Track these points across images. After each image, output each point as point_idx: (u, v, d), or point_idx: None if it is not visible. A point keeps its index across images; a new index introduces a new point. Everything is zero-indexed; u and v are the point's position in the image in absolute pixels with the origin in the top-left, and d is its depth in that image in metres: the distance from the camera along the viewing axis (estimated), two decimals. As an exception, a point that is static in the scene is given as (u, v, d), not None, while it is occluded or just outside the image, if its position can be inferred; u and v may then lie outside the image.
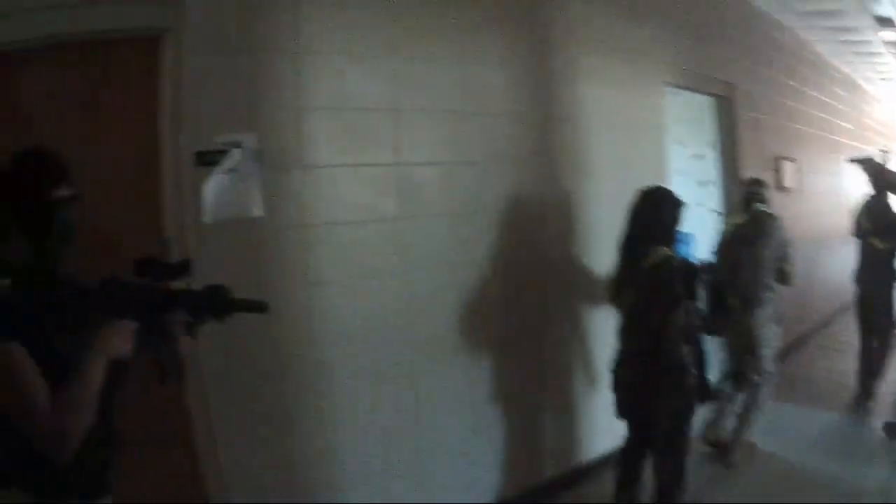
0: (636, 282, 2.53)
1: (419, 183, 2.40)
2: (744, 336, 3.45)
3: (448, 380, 2.50)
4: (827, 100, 6.66)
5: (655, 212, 2.60)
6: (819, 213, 5.77)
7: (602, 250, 2.83)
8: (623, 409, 2.58)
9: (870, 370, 4.34)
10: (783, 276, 3.46)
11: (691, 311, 2.52)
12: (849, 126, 7.36)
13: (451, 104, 2.51)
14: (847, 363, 4.88)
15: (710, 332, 3.49)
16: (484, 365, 2.65)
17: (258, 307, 1.36)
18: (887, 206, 4.28)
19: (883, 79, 8.26)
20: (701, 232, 3.95)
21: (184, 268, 1.34)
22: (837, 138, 6.80)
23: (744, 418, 3.50)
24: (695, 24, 4.03)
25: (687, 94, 4.13)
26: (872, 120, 9.12)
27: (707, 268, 3.02)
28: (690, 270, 2.59)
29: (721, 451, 3.43)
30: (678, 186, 4.01)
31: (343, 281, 2.15)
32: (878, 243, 4.25)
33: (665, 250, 2.56)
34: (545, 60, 2.94)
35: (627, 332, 2.59)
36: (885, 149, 8.72)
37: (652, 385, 2.49)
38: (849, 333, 5.51)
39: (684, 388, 2.49)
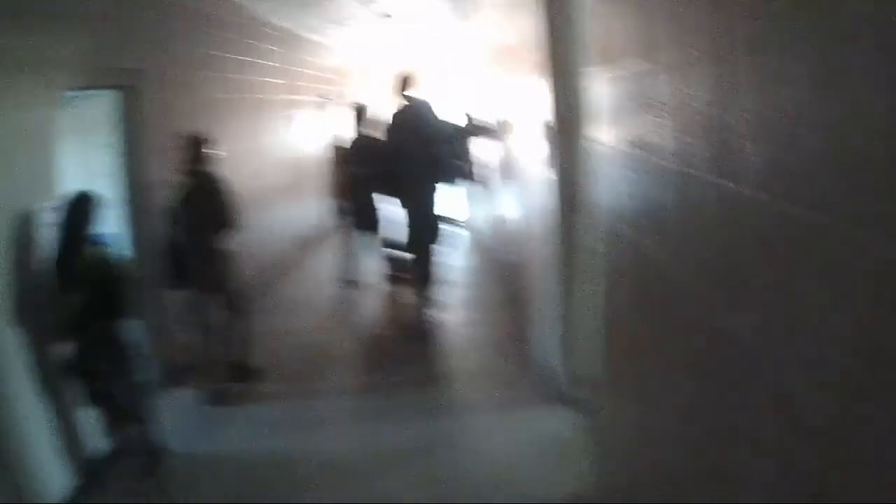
0: (79, 285, 2.96)
1: None
2: (215, 279, 4.10)
3: None
4: (257, 60, 6.98)
5: (75, 217, 3.05)
6: (251, 176, 6.10)
7: None
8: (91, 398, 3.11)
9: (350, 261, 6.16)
10: (227, 222, 4.12)
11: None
12: (282, 82, 7.86)
13: None
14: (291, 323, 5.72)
15: (176, 288, 4.06)
16: None
17: None
18: (367, 141, 5.56)
19: (328, 22, 8.33)
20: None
21: None
22: (269, 97, 7.29)
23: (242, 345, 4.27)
24: (98, 17, 3.97)
25: (105, 94, 4.13)
26: (317, 69, 9.73)
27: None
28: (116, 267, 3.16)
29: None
30: (110, 189, 4.12)
31: None
32: (358, 171, 5.49)
33: (95, 250, 3.04)
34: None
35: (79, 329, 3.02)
36: (322, 96, 10.07)
37: (112, 367, 3.08)
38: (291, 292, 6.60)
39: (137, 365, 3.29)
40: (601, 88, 2.31)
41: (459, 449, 3.34)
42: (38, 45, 3.38)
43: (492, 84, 8.32)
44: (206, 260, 4.02)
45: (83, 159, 4.14)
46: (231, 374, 4.24)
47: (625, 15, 1.93)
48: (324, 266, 7.28)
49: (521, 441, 3.25)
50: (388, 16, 8.60)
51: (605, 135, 2.31)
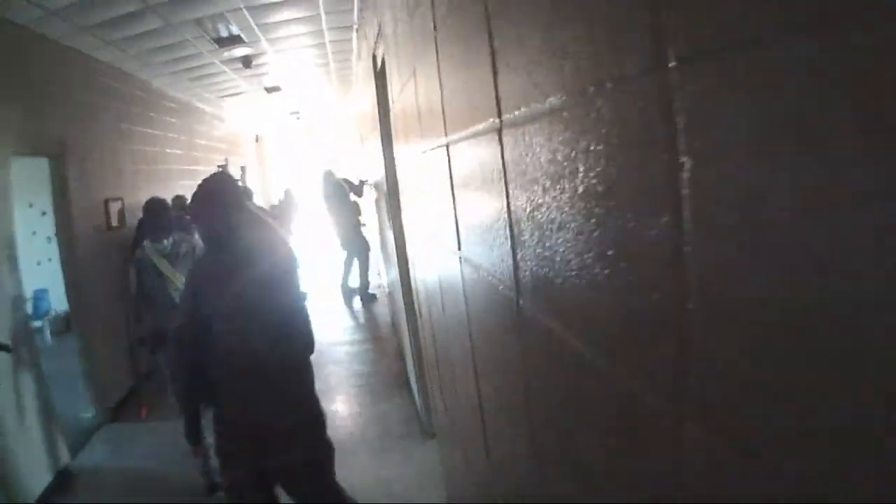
0: None
1: None
2: None
3: None
4: (157, 132, 7.31)
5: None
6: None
7: None
8: None
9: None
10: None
11: None
12: (179, 152, 8.19)
13: None
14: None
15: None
16: None
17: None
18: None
19: (222, 96, 9.00)
20: (53, 284, 4.41)
21: None
22: (168, 167, 7.57)
23: None
24: (36, 90, 4.36)
25: (34, 159, 4.40)
26: (209, 139, 10.03)
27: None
28: None
29: None
30: (32, 244, 4.32)
31: None
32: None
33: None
34: None
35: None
36: (221, 163, 10.17)
37: None
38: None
39: None
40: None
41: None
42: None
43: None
44: None
45: (24, 216, 4.31)
46: None
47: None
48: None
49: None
50: (278, 89, 9.32)
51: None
